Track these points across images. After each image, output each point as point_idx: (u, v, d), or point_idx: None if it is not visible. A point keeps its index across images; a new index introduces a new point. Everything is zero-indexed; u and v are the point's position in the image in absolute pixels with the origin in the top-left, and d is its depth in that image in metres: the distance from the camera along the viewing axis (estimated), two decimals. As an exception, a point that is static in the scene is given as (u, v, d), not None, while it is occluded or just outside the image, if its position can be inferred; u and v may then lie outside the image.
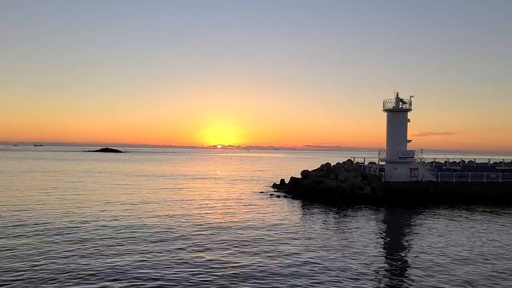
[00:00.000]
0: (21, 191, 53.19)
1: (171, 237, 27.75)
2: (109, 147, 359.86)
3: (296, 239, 28.00)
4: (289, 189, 57.85)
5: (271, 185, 67.00)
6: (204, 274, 20.12)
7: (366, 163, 61.42)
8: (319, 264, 22.10)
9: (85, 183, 66.77)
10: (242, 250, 24.78)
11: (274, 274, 20.32)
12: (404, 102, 52.07)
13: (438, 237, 29.54)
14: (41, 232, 28.44)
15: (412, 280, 19.87)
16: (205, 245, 25.71)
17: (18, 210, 37.47)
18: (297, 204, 45.72)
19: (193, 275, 19.93)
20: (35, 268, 20.52)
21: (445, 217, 38.02)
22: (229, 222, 34.00)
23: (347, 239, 28.28)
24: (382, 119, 54.04)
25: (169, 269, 20.76)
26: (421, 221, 36.00)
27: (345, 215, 38.37)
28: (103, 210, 38.49)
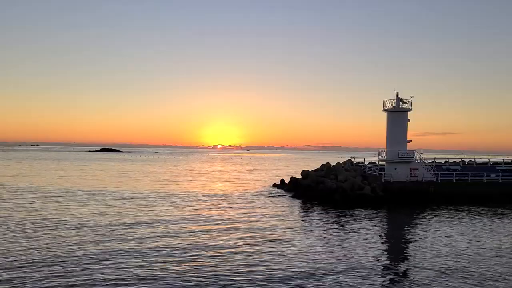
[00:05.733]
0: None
1: (170, 236, 27.77)
2: (109, 147, 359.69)
3: (296, 239, 27.99)
4: (289, 189, 57.88)
5: (271, 185, 67.01)
6: (204, 273, 20.11)
7: (366, 163, 61.47)
8: (319, 264, 22.08)
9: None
10: (241, 250, 24.77)
11: (273, 274, 20.31)
12: (404, 102, 52.09)
13: (438, 237, 29.53)
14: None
15: (412, 280, 19.85)
16: (205, 245, 25.71)
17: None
18: (297, 204, 45.72)
19: (192, 274, 19.94)
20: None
21: (445, 217, 38.01)
22: (229, 222, 33.99)
23: (347, 239, 28.27)
24: (382, 119, 54.15)
25: (167, 268, 20.78)
26: (421, 221, 36.00)
27: (345, 215, 38.36)
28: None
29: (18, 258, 22.14)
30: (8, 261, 21.59)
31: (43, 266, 20.97)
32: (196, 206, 42.62)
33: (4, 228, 29.77)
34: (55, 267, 20.83)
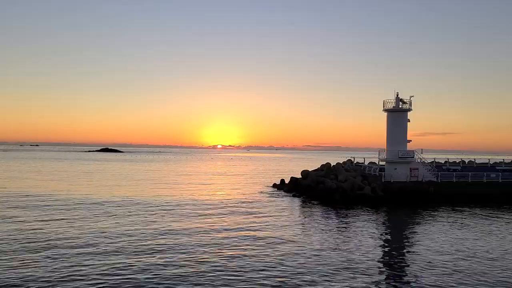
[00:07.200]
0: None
1: (170, 236, 27.79)
2: (109, 147, 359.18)
3: (296, 239, 28.00)
4: (289, 189, 57.89)
5: (271, 185, 67.00)
6: (204, 273, 20.13)
7: (366, 163, 61.48)
8: (320, 264, 22.10)
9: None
10: (241, 250, 24.78)
11: (273, 274, 20.33)
12: (404, 102, 52.12)
13: (438, 237, 29.54)
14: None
15: (413, 280, 19.87)
16: (205, 245, 25.72)
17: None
18: (297, 204, 45.74)
19: (192, 274, 19.96)
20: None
21: (445, 217, 38.02)
22: (229, 222, 34.02)
23: (347, 239, 28.28)
24: (382, 119, 54.16)
25: (166, 268, 20.80)
26: (421, 221, 36.01)
27: (345, 215, 38.38)
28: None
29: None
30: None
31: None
32: (196, 208, 42.62)
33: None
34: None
